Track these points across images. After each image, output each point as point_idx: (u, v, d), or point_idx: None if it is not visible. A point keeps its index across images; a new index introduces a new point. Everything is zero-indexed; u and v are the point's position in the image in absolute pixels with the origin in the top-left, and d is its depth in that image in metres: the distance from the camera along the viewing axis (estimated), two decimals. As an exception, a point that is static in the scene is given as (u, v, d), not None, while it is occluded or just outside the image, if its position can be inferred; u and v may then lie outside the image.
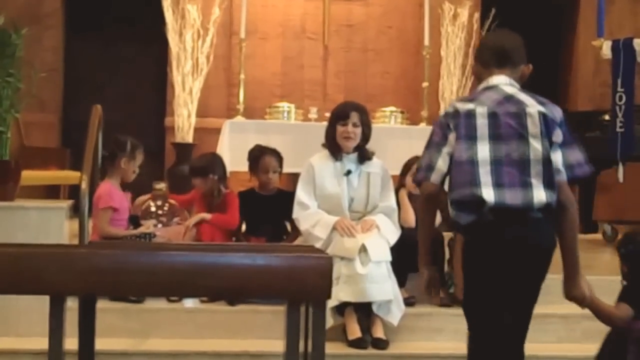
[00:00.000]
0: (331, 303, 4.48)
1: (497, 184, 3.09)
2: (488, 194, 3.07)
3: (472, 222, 3.14)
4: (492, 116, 3.18)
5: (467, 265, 3.26)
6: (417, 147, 6.18)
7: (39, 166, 7.14)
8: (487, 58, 3.39)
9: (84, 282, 3.05)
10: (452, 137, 3.22)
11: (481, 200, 3.07)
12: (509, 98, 3.24)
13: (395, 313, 4.68)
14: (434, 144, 3.29)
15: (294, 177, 6.45)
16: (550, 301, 5.15)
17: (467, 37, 8.50)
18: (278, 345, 4.17)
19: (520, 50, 3.46)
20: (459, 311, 4.93)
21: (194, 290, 3.18)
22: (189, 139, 8.20)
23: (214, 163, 5.41)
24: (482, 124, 3.17)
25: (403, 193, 5.19)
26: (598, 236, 7.91)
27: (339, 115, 4.95)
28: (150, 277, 3.06)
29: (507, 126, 3.16)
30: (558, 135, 3.21)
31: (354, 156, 4.95)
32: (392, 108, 7.72)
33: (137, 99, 9.06)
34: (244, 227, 5.37)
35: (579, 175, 3.26)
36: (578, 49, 9.10)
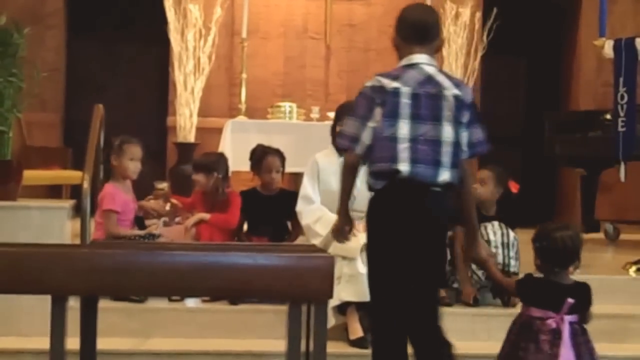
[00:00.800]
0: (333, 302, 4.47)
1: (413, 160, 3.40)
2: (404, 167, 3.39)
3: (385, 187, 3.46)
4: (414, 97, 3.43)
5: (371, 226, 3.55)
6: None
7: (41, 166, 7.15)
8: (408, 33, 3.54)
9: (86, 282, 3.05)
10: (377, 111, 3.43)
11: (397, 172, 3.40)
12: (430, 79, 3.47)
13: (397, 313, 4.67)
14: (359, 117, 3.48)
15: (296, 177, 6.46)
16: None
17: (469, 36, 8.49)
18: (280, 345, 4.17)
19: (438, 25, 3.63)
20: (459, 310, 4.95)
21: (195, 290, 3.19)
22: (191, 138, 8.21)
23: (220, 162, 5.41)
24: (405, 104, 3.41)
25: None
26: (600, 235, 7.91)
27: (340, 115, 4.94)
28: (151, 277, 3.06)
29: (426, 108, 3.42)
30: (465, 116, 3.48)
31: None
32: (394, 108, 7.71)
33: (139, 99, 9.07)
34: (245, 226, 5.37)
35: (479, 152, 3.58)
36: (580, 48, 9.10)
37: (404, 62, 3.52)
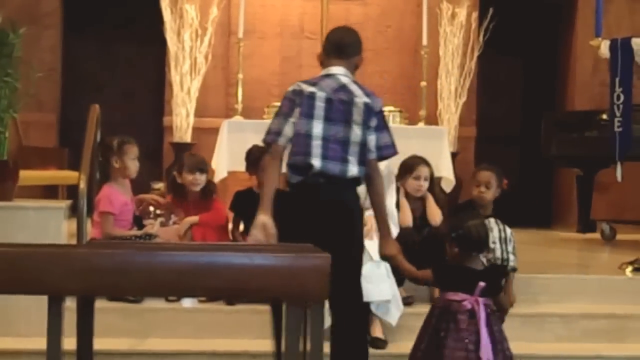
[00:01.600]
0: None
1: (324, 156, 3.84)
2: (316, 162, 3.83)
3: (300, 182, 3.89)
4: (328, 101, 3.90)
5: (286, 215, 3.87)
6: (415, 147, 6.21)
7: (37, 166, 7.13)
8: (329, 49, 4.09)
9: (83, 282, 3.05)
10: (296, 111, 3.91)
11: (310, 166, 3.83)
12: (343, 87, 3.95)
13: (394, 313, 4.68)
14: (282, 114, 3.94)
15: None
16: (549, 300, 5.19)
17: (465, 36, 8.49)
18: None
19: (356, 45, 4.13)
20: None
21: (192, 290, 3.18)
22: (187, 138, 8.20)
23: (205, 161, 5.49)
24: (319, 107, 3.89)
25: (401, 193, 5.19)
26: (596, 235, 7.92)
27: None
28: (148, 277, 3.06)
29: (338, 112, 3.89)
30: (373, 122, 3.90)
31: None
32: (391, 107, 7.70)
33: (136, 99, 9.06)
34: (242, 226, 5.37)
35: (386, 155, 4.01)
36: (576, 48, 9.11)
37: (323, 72, 4.06)
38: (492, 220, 5.04)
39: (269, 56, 8.82)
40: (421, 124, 7.80)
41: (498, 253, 4.97)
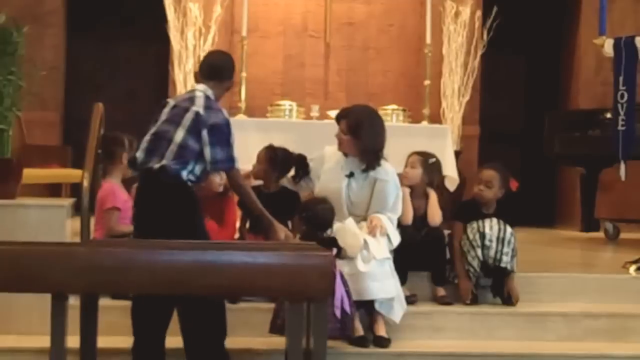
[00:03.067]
0: (334, 301, 4.49)
1: (146, 150, 4.27)
2: (139, 154, 4.28)
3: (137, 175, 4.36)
4: (172, 107, 4.35)
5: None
6: (418, 145, 6.20)
7: (40, 164, 7.14)
8: (201, 69, 4.49)
9: (86, 280, 3.06)
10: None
11: (134, 159, 4.31)
12: (190, 98, 4.33)
13: (398, 311, 4.67)
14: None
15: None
16: (552, 299, 5.18)
17: (469, 35, 8.48)
18: (280, 343, 4.18)
19: (225, 69, 4.48)
20: (460, 309, 4.96)
21: (195, 288, 3.18)
22: (191, 137, 8.18)
23: None
24: (164, 112, 4.34)
25: (406, 191, 5.16)
26: (600, 235, 7.91)
27: (336, 120, 4.96)
28: (151, 275, 3.06)
29: (174, 114, 4.29)
30: (205, 137, 4.22)
31: (358, 160, 4.86)
32: (394, 106, 7.71)
33: (139, 97, 9.06)
34: (247, 223, 5.35)
35: (221, 169, 4.42)
36: (579, 47, 9.09)
37: (191, 88, 4.57)
38: (494, 219, 5.04)
39: (272, 55, 8.82)
40: (424, 123, 7.79)
41: (492, 252, 4.97)
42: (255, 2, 8.44)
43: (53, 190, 7.36)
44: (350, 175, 4.84)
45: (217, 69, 4.43)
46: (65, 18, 8.80)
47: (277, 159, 5.18)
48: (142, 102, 9.06)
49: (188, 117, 4.24)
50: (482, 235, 4.99)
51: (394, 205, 4.90)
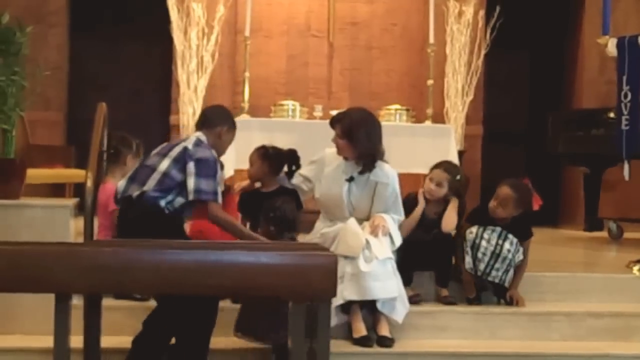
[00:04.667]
0: (336, 302, 4.47)
1: (129, 178, 4.47)
2: (121, 184, 4.48)
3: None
4: (164, 145, 4.61)
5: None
6: (422, 145, 6.23)
7: (44, 164, 7.14)
8: (197, 120, 4.79)
9: (89, 280, 3.06)
10: None
11: (116, 191, 4.53)
12: (185, 139, 4.58)
13: (400, 311, 4.66)
14: None
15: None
16: (556, 299, 5.18)
17: (472, 34, 8.47)
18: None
19: (218, 117, 4.70)
20: (463, 309, 4.95)
21: (198, 288, 3.18)
22: (194, 137, 8.20)
23: None
24: (161, 146, 4.59)
25: (420, 194, 5.12)
26: (603, 234, 7.90)
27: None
28: (155, 275, 3.06)
29: (164, 148, 4.52)
30: (190, 168, 4.37)
31: (357, 164, 4.86)
32: (397, 106, 7.71)
33: (142, 97, 9.07)
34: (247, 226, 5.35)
35: (203, 199, 4.38)
36: (583, 46, 9.08)
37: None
38: (496, 230, 4.97)
39: (276, 54, 8.82)
40: (428, 123, 7.79)
41: (482, 266, 4.93)
42: (258, 2, 8.44)
43: (56, 190, 7.35)
44: (351, 179, 4.84)
45: (207, 117, 4.71)
46: (69, 18, 8.81)
47: (269, 156, 5.20)
48: (145, 102, 9.09)
49: (176, 150, 4.44)
50: (476, 247, 4.94)
51: (396, 207, 4.90)
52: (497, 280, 4.94)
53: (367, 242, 4.64)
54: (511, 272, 4.96)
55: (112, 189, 5.00)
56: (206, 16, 8.19)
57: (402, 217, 4.92)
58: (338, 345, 4.43)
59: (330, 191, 4.86)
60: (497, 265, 4.92)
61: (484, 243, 4.93)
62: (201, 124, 4.68)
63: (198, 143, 4.49)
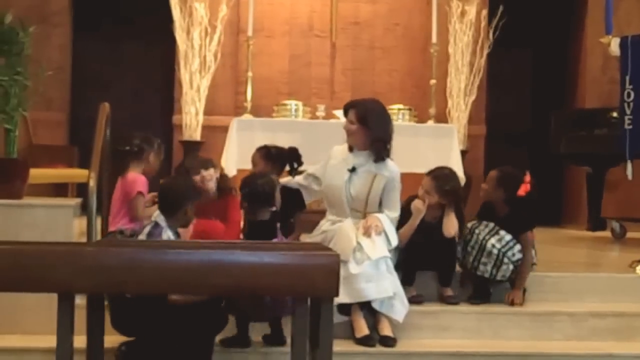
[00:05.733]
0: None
1: None
2: None
3: None
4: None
5: None
6: (424, 145, 6.23)
7: (46, 164, 7.15)
8: None
9: (92, 280, 3.06)
10: None
11: None
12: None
13: (399, 310, 4.65)
14: None
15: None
16: (559, 299, 5.18)
17: (475, 34, 8.48)
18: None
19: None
20: (466, 309, 4.95)
21: (201, 287, 3.18)
22: (197, 136, 8.21)
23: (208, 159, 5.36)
24: None
25: (418, 209, 5.10)
26: (606, 234, 7.90)
27: (344, 111, 4.99)
28: (158, 275, 3.06)
29: None
30: None
31: (365, 154, 4.87)
32: (400, 106, 7.71)
33: (145, 97, 9.08)
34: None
35: None
36: (586, 45, 9.08)
37: None
38: (489, 226, 5.00)
39: (278, 54, 8.82)
40: (430, 122, 7.80)
41: (470, 259, 4.97)
42: (261, 2, 8.44)
43: (59, 190, 7.37)
44: (353, 170, 4.85)
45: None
46: (72, 18, 8.82)
47: (272, 156, 5.21)
48: (148, 101, 9.09)
49: None
50: (467, 241, 4.99)
51: (393, 203, 4.89)
52: (486, 275, 4.94)
53: (359, 244, 4.62)
54: (505, 268, 4.94)
55: (133, 177, 5.02)
56: (209, 16, 8.20)
57: (397, 213, 4.90)
58: (340, 345, 4.42)
59: (332, 182, 4.88)
60: (483, 260, 4.93)
61: (474, 237, 4.98)
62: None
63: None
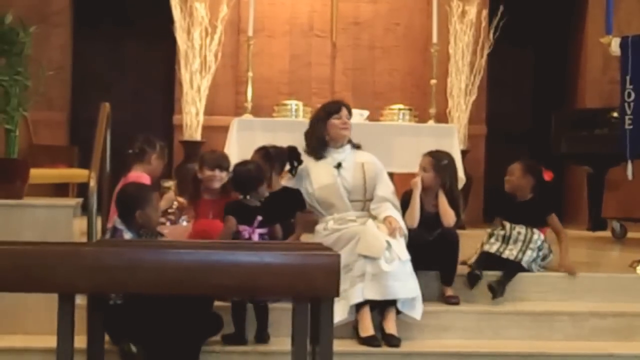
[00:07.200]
0: (355, 300, 4.56)
1: None
2: None
3: None
4: None
5: None
6: (425, 145, 6.20)
7: (47, 164, 7.16)
8: None
9: (92, 280, 3.06)
10: None
11: None
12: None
13: (419, 309, 4.71)
14: None
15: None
16: (559, 299, 5.18)
17: (476, 34, 8.48)
18: (286, 343, 4.18)
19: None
20: (467, 309, 4.95)
21: (201, 288, 3.18)
22: (197, 136, 8.22)
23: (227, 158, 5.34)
24: None
25: (415, 194, 5.14)
26: (607, 234, 7.89)
27: (333, 109, 5.15)
28: (158, 275, 3.06)
29: None
30: None
31: (346, 148, 5.10)
32: (400, 106, 7.72)
33: (145, 97, 9.08)
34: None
35: None
36: (586, 46, 9.08)
37: None
38: (521, 228, 5.25)
39: (278, 54, 8.83)
40: (431, 122, 7.80)
41: (514, 252, 5.14)
42: (261, 2, 8.45)
43: (60, 190, 7.37)
44: (339, 165, 5.03)
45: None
46: (72, 18, 8.82)
47: (271, 156, 5.21)
48: (148, 101, 9.09)
49: None
50: (506, 236, 5.22)
51: (386, 181, 5.07)
52: (511, 258, 5.11)
53: (388, 243, 4.67)
54: (530, 254, 5.15)
55: (135, 176, 5.04)
56: (209, 16, 8.20)
57: (392, 187, 5.11)
58: (343, 345, 4.42)
59: (323, 182, 5.00)
60: (510, 246, 5.16)
61: (514, 234, 5.22)
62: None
63: None
